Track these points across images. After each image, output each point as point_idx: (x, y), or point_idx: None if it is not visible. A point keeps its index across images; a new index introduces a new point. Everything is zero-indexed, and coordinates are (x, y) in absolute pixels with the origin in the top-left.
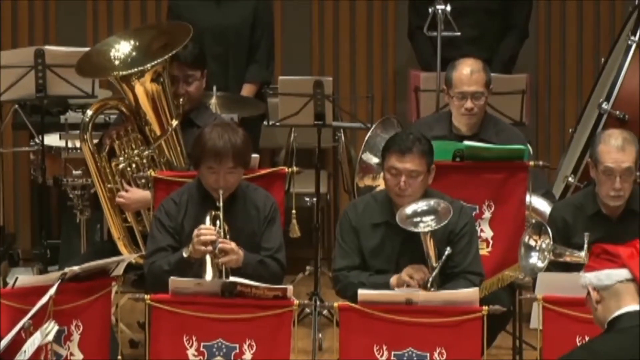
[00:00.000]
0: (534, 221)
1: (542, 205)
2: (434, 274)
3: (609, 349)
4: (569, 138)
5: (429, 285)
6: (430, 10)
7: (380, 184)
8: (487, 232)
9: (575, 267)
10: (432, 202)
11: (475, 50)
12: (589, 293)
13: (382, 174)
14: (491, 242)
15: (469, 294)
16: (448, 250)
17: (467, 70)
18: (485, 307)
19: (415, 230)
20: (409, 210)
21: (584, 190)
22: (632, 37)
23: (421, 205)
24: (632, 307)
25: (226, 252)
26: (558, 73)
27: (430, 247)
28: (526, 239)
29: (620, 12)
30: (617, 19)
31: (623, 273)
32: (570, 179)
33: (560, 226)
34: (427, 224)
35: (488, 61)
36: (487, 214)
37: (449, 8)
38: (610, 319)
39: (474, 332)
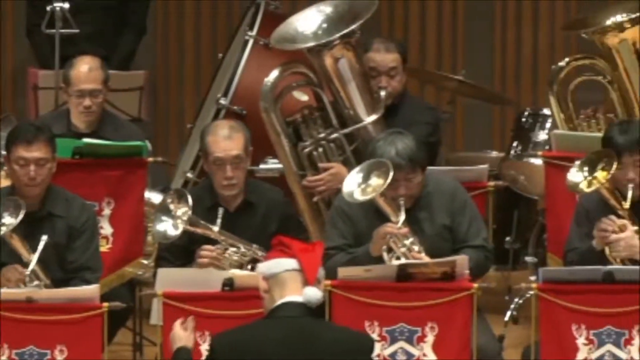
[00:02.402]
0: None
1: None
2: (29, 269)
3: (258, 334)
4: (187, 134)
5: (26, 280)
6: (48, 8)
7: None
8: (107, 229)
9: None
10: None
11: (93, 47)
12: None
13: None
14: (111, 238)
15: (91, 290)
16: (44, 239)
17: (85, 68)
18: (105, 304)
19: None
20: None
21: (202, 184)
22: (250, 32)
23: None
24: (293, 297)
25: None
26: (176, 69)
27: (18, 245)
28: (168, 201)
29: (237, 9)
30: (235, 15)
31: (291, 263)
32: (189, 174)
33: None
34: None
35: (106, 58)
36: (107, 211)
37: (67, 5)
38: (272, 307)
39: (95, 328)
